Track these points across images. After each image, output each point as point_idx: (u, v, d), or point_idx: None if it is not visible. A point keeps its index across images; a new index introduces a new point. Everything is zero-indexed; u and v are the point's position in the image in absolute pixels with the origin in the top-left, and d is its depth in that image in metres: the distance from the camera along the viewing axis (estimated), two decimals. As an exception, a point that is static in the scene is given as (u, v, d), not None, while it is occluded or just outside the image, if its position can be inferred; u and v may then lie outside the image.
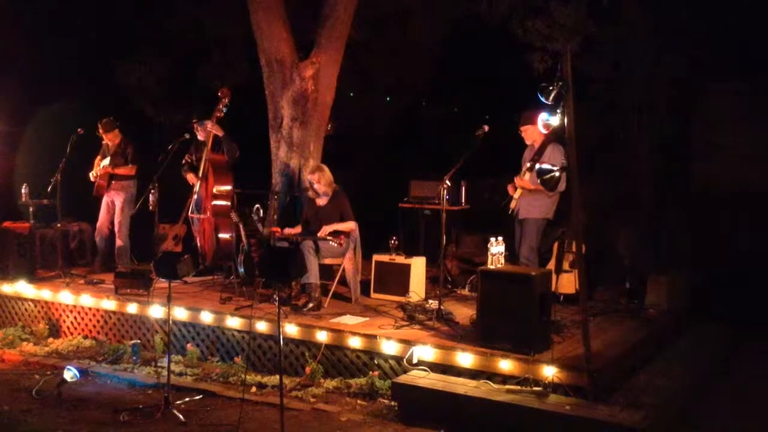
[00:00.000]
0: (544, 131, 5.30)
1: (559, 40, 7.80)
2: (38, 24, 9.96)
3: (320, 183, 6.69)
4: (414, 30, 10.02)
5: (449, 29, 10.04)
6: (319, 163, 7.23)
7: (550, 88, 4.64)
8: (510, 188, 6.47)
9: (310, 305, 6.36)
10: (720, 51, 7.90)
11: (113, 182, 7.94)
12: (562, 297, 6.48)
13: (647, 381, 5.36)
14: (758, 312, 7.01)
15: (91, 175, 8.01)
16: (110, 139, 7.98)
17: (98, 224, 8.10)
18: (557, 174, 4.93)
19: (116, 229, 7.96)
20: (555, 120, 4.75)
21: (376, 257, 7.12)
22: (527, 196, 6.27)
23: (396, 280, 6.96)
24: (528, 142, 6.43)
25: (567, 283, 6.52)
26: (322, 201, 6.80)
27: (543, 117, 4.99)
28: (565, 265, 6.60)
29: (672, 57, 8.03)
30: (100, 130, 7.95)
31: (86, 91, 9.80)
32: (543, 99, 4.70)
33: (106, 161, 7.90)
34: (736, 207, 8.31)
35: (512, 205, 6.40)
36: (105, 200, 8.02)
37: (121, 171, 7.92)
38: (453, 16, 9.65)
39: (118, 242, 7.97)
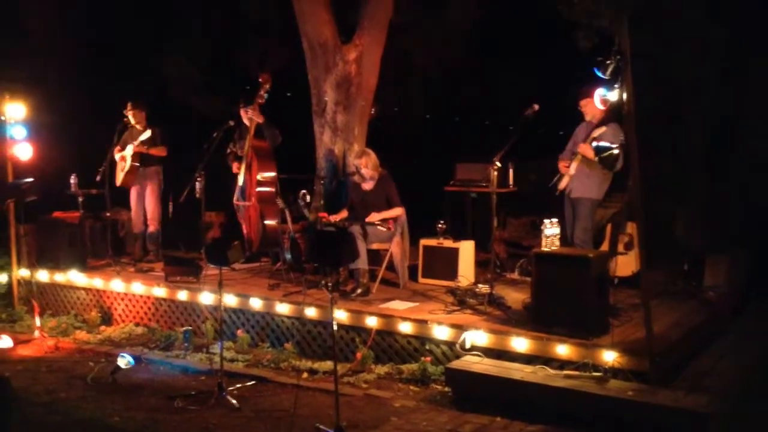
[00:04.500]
0: (602, 107, 5.11)
1: (606, 16, 7.57)
2: (79, 16, 10.05)
3: (367, 167, 6.61)
4: (453, 10, 9.84)
5: (488, 9, 9.84)
6: (365, 147, 7.15)
7: (608, 62, 4.47)
8: (562, 165, 6.27)
9: (359, 291, 6.31)
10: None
11: (141, 169, 7.89)
12: (616, 280, 6.30)
13: (710, 364, 5.19)
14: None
15: (124, 162, 7.86)
16: (138, 120, 7.90)
17: (134, 216, 8.11)
18: (616, 152, 4.76)
19: (149, 215, 7.97)
20: (613, 95, 4.58)
21: (423, 242, 7.02)
22: (581, 175, 6.06)
23: (444, 264, 6.86)
24: (587, 118, 6.13)
25: (622, 265, 6.35)
26: (368, 185, 6.72)
27: (600, 92, 4.81)
28: (620, 247, 6.42)
29: (721, 30, 7.71)
30: (130, 109, 7.87)
31: (127, 82, 9.87)
32: (600, 74, 4.53)
33: (141, 138, 7.76)
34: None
35: (562, 185, 6.22)
36: (134, 191, 8.02)
37: (154, 151, 7.86)
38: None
39: (150, 228, 8.01)
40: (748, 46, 7.73)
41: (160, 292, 6.87)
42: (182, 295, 6.71)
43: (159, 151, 7.91)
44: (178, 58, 10.32)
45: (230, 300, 6.39)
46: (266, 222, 7.38)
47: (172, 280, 6.90)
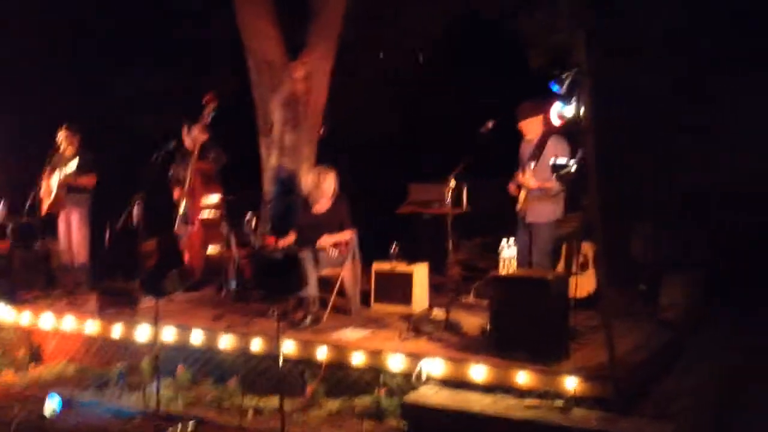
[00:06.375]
0: (559, 122, 4.93)
1: (562, 33, 7.50)
2: (24, 34, 9.57)
3: (323, 187, 6.31)
4: (407, 28, 9.67)
5: (444, 27, 9.70)
6: (323, 166, 6.83)
7: (563, 76, 4.28)
8: (512, 187, 6.08)
9: (309, 319, 5.99)
10: (729, 43, 7.57)
11: (69, 195, 7.51)
12: (573, 302, 6.11)
13: (675, 387, 5.05)
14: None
15: (50, 190, 7.48)
16: (71, 143, 7.54)
17: (62, 247, 7.69)
18: (573, 168, 4.58)
19: (76, 246, 7.59)
20: (570, 110, 4.40)
21: (375, 266, 6.74)
22: (534, 198, 5.85)
23: (398, 289, 6.59)
24: (528, 137, 5.92)
25: (578, 286, 6.14)
26: (322, 207, 6.42)
27: (557, 107, 4.63)
28: (575, 268, 6.23)
29: (674, 49, 7.71)
30: (65, 134, 7.53)
31: (66, 103, 9.40)
32: (556, 88, 4.34)
33: (67, 170, 7.38)
34: (745, 199, 8.00)
35: (520, 205, 6.01)
36: (62, 220, 7.64)
37: (84, 181, 7.50)
38: (448, 13, 9.31)
39: (79, 259, 7.63)
40: (706, 69, 7.72)
41: (93, 326, 6.39)
42: (117, 330, 6.25)
43: (87, 180, 7.52)
44: (121, 77, 9.90)
45: (169, 333, 5.97)
46: (209, 248, 7.00)
47: (106, 312, 6.44)
